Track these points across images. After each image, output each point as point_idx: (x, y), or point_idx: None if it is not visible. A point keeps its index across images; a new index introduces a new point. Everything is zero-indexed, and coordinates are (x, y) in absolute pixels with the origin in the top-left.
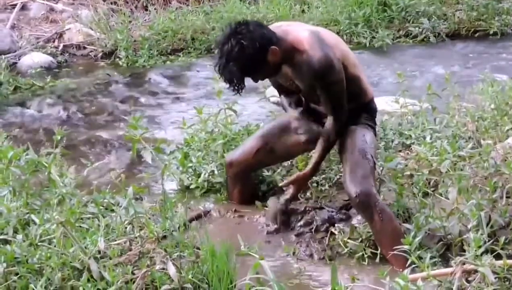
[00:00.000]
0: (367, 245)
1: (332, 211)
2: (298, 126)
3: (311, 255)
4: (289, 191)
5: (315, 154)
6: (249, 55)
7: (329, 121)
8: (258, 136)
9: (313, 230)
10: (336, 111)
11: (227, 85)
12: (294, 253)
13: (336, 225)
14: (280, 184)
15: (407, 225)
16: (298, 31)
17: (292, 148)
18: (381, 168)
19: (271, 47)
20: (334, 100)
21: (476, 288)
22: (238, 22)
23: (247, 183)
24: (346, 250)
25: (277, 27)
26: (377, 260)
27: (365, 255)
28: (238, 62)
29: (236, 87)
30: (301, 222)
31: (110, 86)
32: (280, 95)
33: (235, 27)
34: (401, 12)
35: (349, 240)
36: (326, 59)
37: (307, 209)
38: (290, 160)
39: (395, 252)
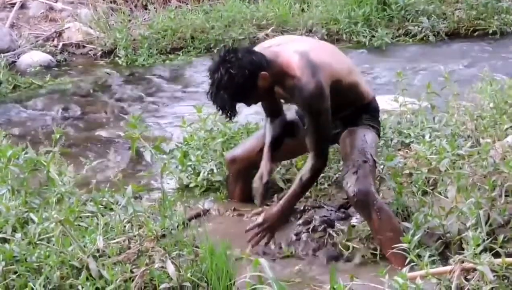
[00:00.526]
0: (366, 244)
1: (331, 210)
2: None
3: (309, 254)
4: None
5: (287, 193)
6: (239, 83)
7: (307, 164)
8: (261, 135)
9: (312, 229)
10: (318, 145)
11: (220, 112)
12: (292, 252)
13: (335, 224)
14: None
15: (406, 224)
16: (288, 54)
17: (295, 148)
18: (382, 166)
19: (260, 72)
20: (318, 131)
21: (475, 286)
22: (227, 49)
23: (248, 181)
24: (345, 249)
25: (266, 48)
26: (376, 258)
27: (364, 254)
28: (228, 90)
29: (228, 114)
30: (300, 221)
31: (110, 85)
32: (266, 116)
33: (224, 55)
34: (400, 11)
35: (348, 239)
36: (316, 87)
37: (306, 208)
38: (290, 159)
39: (394, 250)
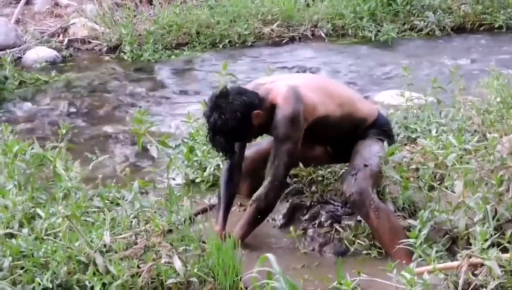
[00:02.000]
0: (372, 241)
1: (338, 205)
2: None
3: (316, 249)
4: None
5: (242, 220)
6: (233, 126)
7: (263, 186)
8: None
9: (318, 224)
10: (277, 170)
11: (219, 154)
12: (299, 247)
13: (341, 219)
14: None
15: (412, 221)
16: (278, 87)
17: (311, 159)
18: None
19: (253, 112)
20: (278, 157)
21: (483, 281)
22: (219, 93)
23: (256, 179)
24: (351, 244)
25: (261, 85)
26: (383, 254)
27: (371, 250)
28: (224, 134)
29: (227, 155)
30: (306, 216)
31: (115, 80)
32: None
33: (215, 100)
34: (406, 6)
35: (354, 235)
36: (293, 112)
37: (312, 203)
38: None
39: (396, 248)
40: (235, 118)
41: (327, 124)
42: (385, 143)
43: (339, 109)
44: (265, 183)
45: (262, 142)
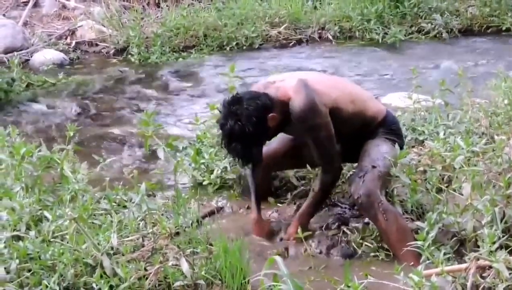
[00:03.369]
0: (380, 243)
1: (346, 208)
2: None
3: (323, 252)
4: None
5: (303, 206)
6: (250, 132)
7: (319, 175)
8: (288, 139)
9: (326, 226)
10: (325, 159)
11: (237, 161)
12: (306, 250)
13: (349, 222)
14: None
15: (420, 223)
16: (287, 84)
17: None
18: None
19: (268, 115)
20: (321, 147)
21: (491, 284)
22: (232, 99)
23: (264, 181)
24: (359, 247)
25: (271, 83)
26: (391, 256)
27: (378, 252)
28: (241, 141)
29: (245, 162)
30: (314, 219)
31: (122, 82)
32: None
33: (229, 107)
34: (413, 8)
35: (362, 237)
36: (309, 102)
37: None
38: None
39: (404, 250)
40: (251, 123)
41: (339, 118)
42: (396, 145)
43: (351, 105)
44: (322, 172)
45: (274, 144)
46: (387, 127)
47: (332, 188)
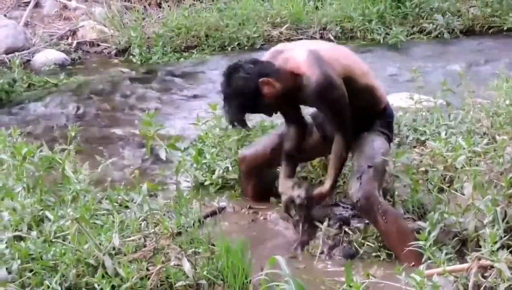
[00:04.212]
0: (381, 243)
1: (347, 208)
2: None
3: (325, 252)
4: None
5: (329, 171)
6: (239, 93)
7: (336, 142)
8: (275, 135)
9: (327, 227)
10: (342, 129)
11: (231, 126)
12: (308, 250)
13: (350, 222)
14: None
15: (421, 223)
16: (296, 55)
17: (310, 151)
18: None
19: (259, 79)
20: (338, 118)
21: (492, 283)
22: (231, 65)
23: (260, 179)
24: (360, 247)
25: (279, 53)
26: (393, 256)
27: (380, 252)
28: (233, 103)
29: (238, 125)
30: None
31: (124, 83)
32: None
33: (227, 70)
34: (415, 9)
35: (363, 237)
36: (325, 77)
37: (322, 205)
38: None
39: (405, 251)
40: (242, 84)
41: (351, 89)
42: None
43: (363, 78)
44: (338, 140)
45: (261, 142)
46: (385, 119)
47: (348, 151)
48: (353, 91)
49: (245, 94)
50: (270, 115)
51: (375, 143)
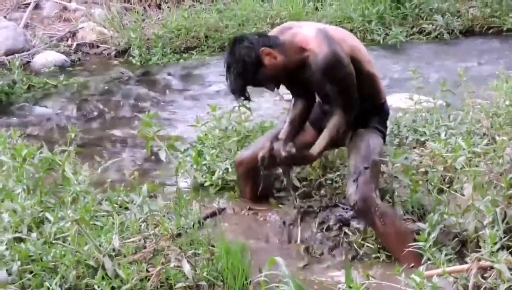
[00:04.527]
0: (381, 244)
1: (347, 209)
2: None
3: (325, 253)
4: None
5: (321, 138)
6: (241, 61)
7: (337, 115)
8: (269, 137)
9: (327, 228)
10: (347, 106)
11: (233, 96)
12: (308, 251)
13: (350, 223)
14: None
15: (421, 224)
16: (305, 32)
17: (303, 148)
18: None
19: (261, 49)
20: (344, 95)
21: (492, 284)
22: (237, 36)
23: (257, 181)
24: (360, 248)
25: (287, 28)
26: (393, 257)
27: (379, 253)
28: (235, 72)
29: (239, 96)
30: (315, 220)
31: (124, 84)
32: (293, 97)
33: (233, 39)
34: (414, 9)
35: (363, 238)
36: (333, 55)
37: (321, 207)
38: None
39: (404, 252)
40: (243, 54)
41: (356, 70)
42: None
43: (368, 64)
44: (340, 115)
45: (258, 144)
46: (382, 116)
47: (346, 130)
48: (357, 76)
49: (247, 63)
50: (271, 89)
51: (371, 141)
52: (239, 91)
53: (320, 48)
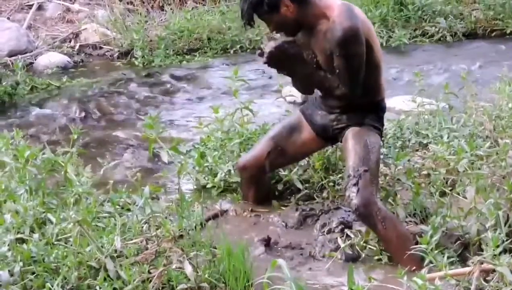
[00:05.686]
0: (383, 246)
1: (349, 211)
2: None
3: (326, 255)
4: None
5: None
6: None
7: (341, 82)
8: (268, 139)
9: (329, 230)
10: (350, 84)
11: (241, 18)
12: (310, 253)
13: (352, 225)
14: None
15: (423, 227)
16: (333, 0)
17: (303, 147)
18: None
19: None
20: (350, 74)
21: (494, 287)
22: None
23: (261, 185)
24: (362, 250)
25: None
26: (394, 260)
27: (381, 256)
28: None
29: (244, 21)
30: (318, 223)
31: (126, 85)
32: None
33: None
34: (417, 12)
35: (365, 241)
36: (352, 29)
37: (323, 209)
38: (307, 160)
39: (406, 255)
40: None
41: (368, 57)
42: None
43: (378, 54)
44: (342, 89)
45: (257, 147)
46: (378, 113)
47: (343, 95)
48: (369, 63)
49: (264, 1)
50: (272, 31)
51: (369, 141)
52: (247, 15)
53: (342, 19)
